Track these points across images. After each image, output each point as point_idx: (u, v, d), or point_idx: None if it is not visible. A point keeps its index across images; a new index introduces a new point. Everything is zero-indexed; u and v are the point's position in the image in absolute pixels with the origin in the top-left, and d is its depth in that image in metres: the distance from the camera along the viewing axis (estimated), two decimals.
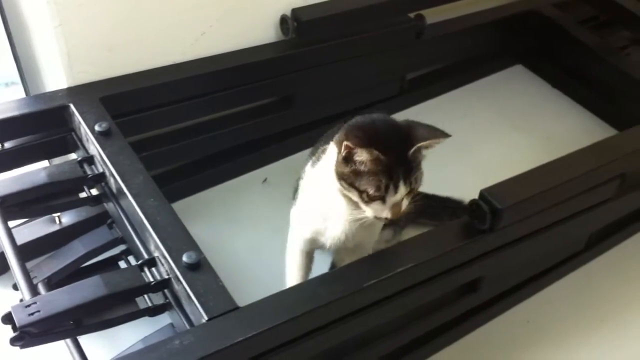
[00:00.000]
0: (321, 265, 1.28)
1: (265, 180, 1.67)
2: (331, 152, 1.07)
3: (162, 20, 1.43)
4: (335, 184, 1.04)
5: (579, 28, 1.99)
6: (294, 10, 1.57)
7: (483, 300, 1.37)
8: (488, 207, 1.15)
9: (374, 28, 1.71)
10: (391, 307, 1.14)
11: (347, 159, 1.00)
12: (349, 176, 1.01)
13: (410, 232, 1.45)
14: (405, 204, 1.03)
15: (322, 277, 1.07)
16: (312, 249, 1.25)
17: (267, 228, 1.53)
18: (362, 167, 1.00)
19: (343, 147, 1.00)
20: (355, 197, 1.03)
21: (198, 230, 1.49)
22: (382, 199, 1.01)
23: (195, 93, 1.47)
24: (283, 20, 1.58)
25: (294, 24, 1.56)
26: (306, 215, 1.19)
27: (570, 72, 2.02)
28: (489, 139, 1.87)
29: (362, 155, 0.98)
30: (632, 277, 1.55)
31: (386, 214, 1.02)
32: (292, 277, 1.27)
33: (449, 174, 1.62)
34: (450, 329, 1.35)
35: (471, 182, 1.22)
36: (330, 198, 1.08)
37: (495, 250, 1.23)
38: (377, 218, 1.03)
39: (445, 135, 1.02)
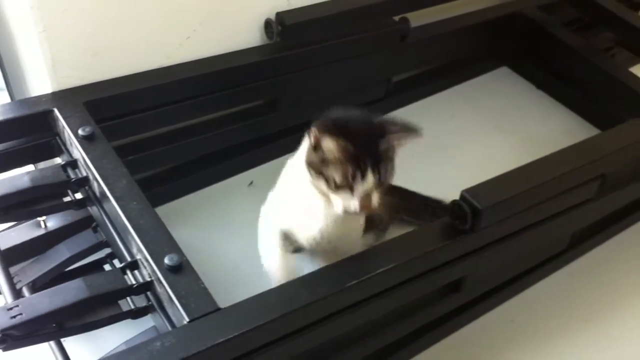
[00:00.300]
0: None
1: (251, 183, 1.68)
2: (304, 143, 1.09)
3: (146, 24, 1.43)
4: (305, 174, 1.06)
5: (564, 30, 2.00)
6: (278, 14, 1.58)
7: (466, 300, 1.38)
8: (469, 208, 1.16)
9: (359, 31, 1.72)
10: (373, 308, 1.15)
11: (316, 147, 1.02)
12: (317, 164, 1.03)
13: (395, 232, 1.46)
14: (375, 198, 1.04)
15: (303, 278, 1.08)
16: (289, 247, 1.24)
17: (253, 231, 1.52)
18: (329, 155, 1.01)
19: (312, 136, 1.02)
20: (323, 186, 1.03)
21: (184, 234, 1.51)
22: (350, 188, 1.01)
23: (180, 97, 1.48)
24: (267, 24, 1.59)
25: (278, 27, 1.57)
26: (278, 210, 1.20)
27: (555, 73, 2.04)
28: (475, 140, 1.88)
29: (329, 144, 1.00)
30: (616, 277, 1.56)
31: (354, 205, 1.02)
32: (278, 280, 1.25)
33: (435, 175, 1.63)
34: (434, 329, 1.36)
35: (457, 183, 1.22)
36: (303, 191, 1.10)
37: (476, 251, 1.24)
38: (346, 212, 1.03)
39: (417, 133, 1.03)
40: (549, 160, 1.31)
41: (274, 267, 1.27)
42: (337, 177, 1.01)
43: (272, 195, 1.25)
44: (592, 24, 2.13)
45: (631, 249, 1.62)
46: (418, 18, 1.82)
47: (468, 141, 1.87)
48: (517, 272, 1.46)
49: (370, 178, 1.01)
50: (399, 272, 1.14)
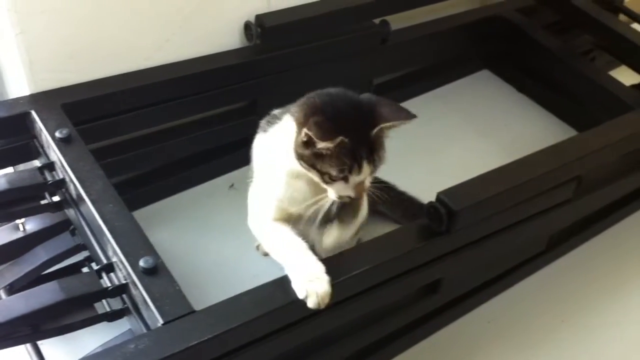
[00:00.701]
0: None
1: (232, 186, 1.68)
2: (288, 127, 1.05)
3: (124, 27, 1.44)
4: (289, 160, 1.04)
5: (544, 33, 2.02)
6: (258, 17, 1.58)
7: (444, 302, 1.39)
8: (444, 209, 1.17)
9: (339, 34, 1.72)
10: (349, 310, 1.15)
11: (308, 143, 1.00)
12: (309, 158, 1.02)
13: (371, 231, 1.46)
14: (368, 181, 1.04)
15: (278, 280, 1.08)
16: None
17: (233, 233, 1.54)
18: (324, 151, 0.99)
19: (303, 134, 0.99)
20: (316, 177, 1.03)
21: (165, 236, 1.51)
22: (345, 179, 1.02)
23: (159, 99, 1.48)
24: (247, 26, 1.60)
25: (257, 30, 1.58)
26: (269, 192, 1.16)
27: (535, 76, 2.05)
28: (455, 142, 1.89)
29: (324, 143, 0.98)
30: (593, 278, 1.57)
31: (349, 192, 1.03)
32: (291, 249, 1.11)
33: (415, 177, 1.63)
34: (412, 331, 1.36)
35: (436, 185, 1.23)
36: (287, 176, 1.09)
37: (453, 252, 1.25)
38: (340, 197, 1.04)
39: (410, 116, 1.03)
40: (525, 162, 1.32)
41: (265, 236, 1.21)
42: (334, 172, 1.01)
43: (257, 179, 1.22)
44: (571, 27, 2.15)
45: (608, 251, 1.64)
46: (398, 21, 1.83)
47: (448, 144, 1.88)
48: (495, 273, 1.47)
49: (366, 169, 1.02)
50: (375, 274, 1.15)
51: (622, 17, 2.14)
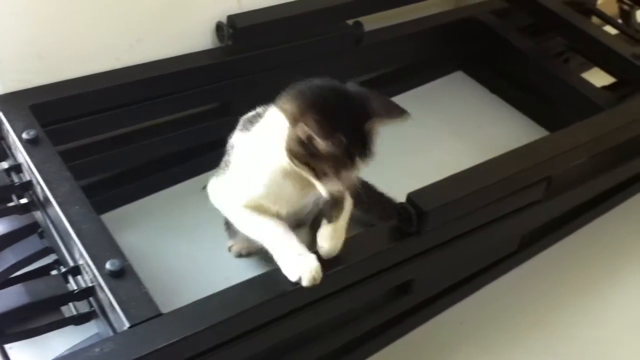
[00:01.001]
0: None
1: (204, 187, 1.66)
2: (275, 122, 1.02)
3: (94, 27, 1.42)
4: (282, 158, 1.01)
5: (517, 35, 2.03)
6: (230, 17, 1.58)
7: (415, 303, 1.39)
8: (414, 210, 1.17)
9: (312, 35, 1.72)
10: (320, 311, 1.15)
11: (304, 140, 0.97)
12: (303, 156, 0.99)
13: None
14: (356, 175, 1.02)
15: (248, 282, 1.07)
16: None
17: (205, 236, 1.53)
18: (320, 150, 0.97)
19: (301, 132, 0.96)
20: (307, 174, 1.01)
21: (136, 238, 1.50)
22: (338, 175, 1.00)
23: (129, 100, 1.47)
24: (219, 27, 1.59)
25: (229, 30, 1.57)
26: (240, 187, 1.14)
27: (509, 78, 2.06)
28: (429, 144, 1.89)
29: (325, 142, 0.95)
30: (565, 279, 1.58)
31: (339, 187, 1.02)
32: (271, 232, 1.11)
33: (389, 179, 1.62)
34: (384, 332, 1.36)
35: (410, 187, 1.23)
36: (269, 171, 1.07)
37: (423, 253, 1.25)
38: (329, 191, 1.02)
39: (404, 115, 1.02)
40: (495, 163, 1.33)
41: (239, 219, 1.18)
42: (330, 170, 0.99)
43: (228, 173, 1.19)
44: (546, 29, 2.16)
45: (580, 252, 1.64)
46: (373, 22, 1.83)
47: (422, 145, 1.88)
48: (466, 274, 1.47)
49: (360, 165, 1.01)
50: (346, 275, 1.14)
51: (595, 20, 2.17)
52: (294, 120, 0.98)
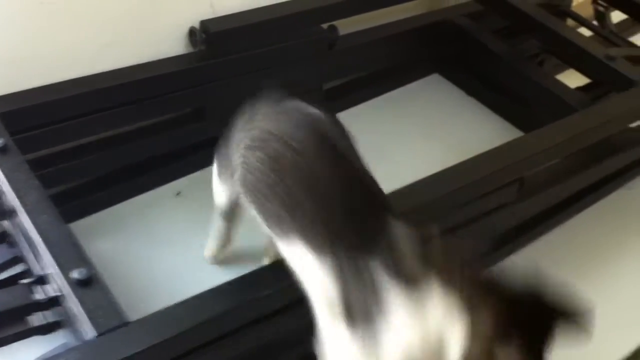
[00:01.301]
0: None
1: (178, 193, 1.66)
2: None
3: (64, 32, 1.41)
4: None
5: (492, 37, 2.03)
6: (203, 22, 1.57)
7: None
8: None
9: (286, 39, 1.72)
10: (290, 318, 1.14)
11: None
12: None
13: None
14: None
15: (216, 289, 1.06)
16: None
17: (179, 243, 1.52)
18: None
19: None
20: None
21: (108, 246, 1.48)
22: None
23: (100, 107, 1.45)
24: (191, 32, 1.58)
25: (202, 35, 1.56)
26: None
27: (484, 80, 2.06)
28: (406, 147, 1.89)
29: None
30: None
31: None
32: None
33: None
34: None
35: (387, 189, 1.22)
36: None
37: None
38: None
39: None
40: (467, 165, 1.33)
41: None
42: None
43: None
44: (520, 31, 2.17)
45: (552, 253, 1.64)
46: (348, 26, 1.83)
47: (399, 148, 1.88)
48: None
49: None
50: None
51: (570, 22, 2.18)
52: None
